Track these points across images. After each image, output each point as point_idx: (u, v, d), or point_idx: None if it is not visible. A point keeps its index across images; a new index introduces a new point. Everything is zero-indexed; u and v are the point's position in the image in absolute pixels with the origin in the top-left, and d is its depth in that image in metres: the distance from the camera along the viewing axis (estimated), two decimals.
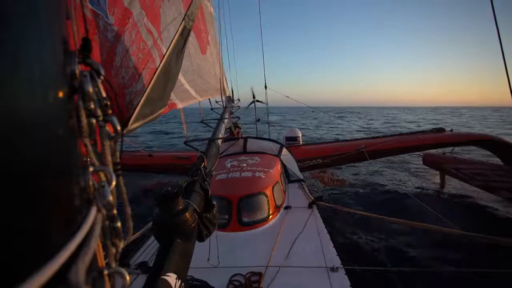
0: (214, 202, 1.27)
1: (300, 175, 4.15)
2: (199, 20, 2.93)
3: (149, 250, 2.40)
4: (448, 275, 3.40)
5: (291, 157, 4.47)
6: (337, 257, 2.21)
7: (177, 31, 1.05)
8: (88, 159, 0.36)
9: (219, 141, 2.47)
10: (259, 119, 7.65)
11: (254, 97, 7.53)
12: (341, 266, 2.08)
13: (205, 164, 1.55)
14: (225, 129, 4.26)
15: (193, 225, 0.98)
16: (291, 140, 7.74)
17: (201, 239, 1.10)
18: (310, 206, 3.15)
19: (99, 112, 0.36)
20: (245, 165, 3.52)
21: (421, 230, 4.55)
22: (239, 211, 2.73)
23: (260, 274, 2.04)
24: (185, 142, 2.37)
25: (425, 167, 7.55)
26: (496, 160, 6.14)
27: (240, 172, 3.26)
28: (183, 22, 1.07)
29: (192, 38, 2.60)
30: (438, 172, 7.08)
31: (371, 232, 4.68)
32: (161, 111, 1.13)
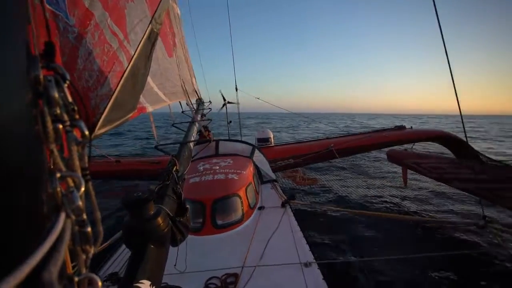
0: (188, 206, 1.26)
1: (272, 175, 4.21)
2: (164, 22, 2.88)
3: (119, 261, 2.30)
4: (414, 261, 3.67)
5: (263, 158, 4.51)
6: (310, 252, 2.28)
7: (144, 34, 1.04)
8: (55, 165, 0.36)
9: (191, 144, 2.45)
10: (230, 121, 7.64)
11: (224, 99, 7.50)
12: (314, 261, 2.15)
13: (177, 167, 1.53)
14: (197, 132, 4.20)
15: (166, 229, 0.97)
16: (263, 141, 7.84)
17: (175, 243, 1.09)
18: (283, 205, 3.21)
19: (65, 117, 0.36)
20: (217, 167, 3.50)
21: (386, 220, 4.90)
22: (213, 214, 2.71)
23: (236, 275, 2.04)
24: (155, 147, 2.32)
25: (389, 162, 8.03)
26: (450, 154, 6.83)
27: (213, 175, 3.23)
28: (150, 25, 1.05)
29: (158, 41, 2.55)
30: (401, 167, 7.56)
31: (342, 226, 4.93)
32: (130, 115, 1.10)
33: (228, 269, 2.11)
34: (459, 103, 2.05)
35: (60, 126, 0.35)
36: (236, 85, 7.26)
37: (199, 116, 4.79)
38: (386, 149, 7.44)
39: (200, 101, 6.50)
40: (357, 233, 4.66)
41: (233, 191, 2.95)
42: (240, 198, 2.95)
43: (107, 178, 7.00)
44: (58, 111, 0.35)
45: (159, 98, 2.38)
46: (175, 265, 1.76)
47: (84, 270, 0.39)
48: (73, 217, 0.36)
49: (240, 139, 5.72)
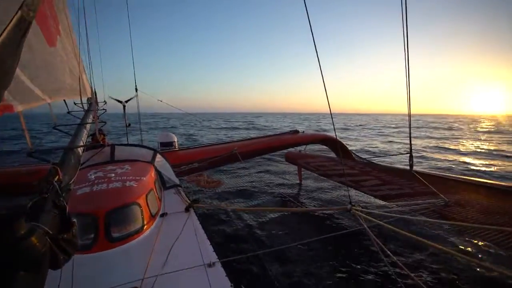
0: (74, 220, 1.13)
1: (176, 180, 4.08)
2: (43, 4, 2.43)
3: None
4: (308, 244, 4.27)
5: (166, 163, 4.32)
6: (213, 253, 2.34)
7: (11, 21, 0.88)
8: None
9: (80, 149, 2.15)
10: (129, 124, 6.98)
11: (120, 101, 6.79)
12: (217, 260, 2.21)
13: (60, 177, 1.34)
14: (88, 136, 3.70)
15: (43, 250, 0.85)
16: (166, 146, 7.52)
17: (57, 265, 0.96)
18: (187, 209, 3.16)
19: None
20: (113, 175, 3.16)
21: (284, 214, 5.55)
22: (107, 226, 2.43)
23: None
24: (29, 154, 1.94)
25: (287, 163, 9.03)
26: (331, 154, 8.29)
27: (108, 184, 2.89)
28: (20, 11, 0.90)
29: (33, 26, 2.14)
30: (296, 167, 8.61)
31: (245, 223, 5.30)
32: None
33: (126, 284, 1.95)
34: (330, 105, 2.51)
35: None
36: (136, 86, 6.72)
37: (91, 117, 4.22)
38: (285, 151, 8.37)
39: (92, 101, 5.71)
40: (258, 228, 5.07)
41: (131, 200, 2.72)
42: (140, 206, 2.75)
43: None
44: None
45: (33, 96, 2.00)
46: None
47: None
48: None
49: (140, 143, 5.32)
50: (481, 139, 24.57)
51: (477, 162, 13.41)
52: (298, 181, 8.52)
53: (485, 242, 3.98)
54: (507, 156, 14.98)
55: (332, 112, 2.52)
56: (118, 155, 3.94)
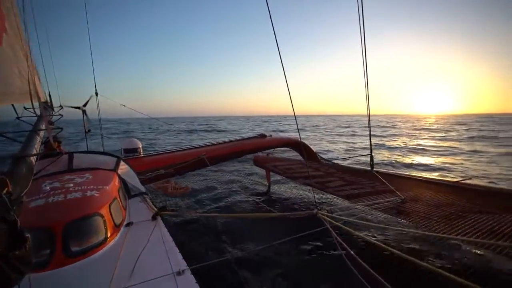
0: (27, 235, 1.05)
1: (142, 188, 3.92)
2: None
3: None
4: (278, 247, 4.36)
5: (130, 170, 4.12)
6: (183, 260, 2.29)
7: None
8: None
9: (33, 158, 1.99)
10: (89, 130, 6.55)
11: (79, 107, 6.36)
12: (187, 267, 2.17)
13: (9, 189, 1.24)
14: (41, 144, 3.43)
15: None
16: (130, 152, 7.21)
17: (8, 286, 0.89)
18: (154, 218, 3.06)
19: None
20: (71, 185, 2.94)
21: (252, 219, 5.59)
22: (65, 240, 2.26)
23: None
24: None
25: (255, 167, 9.10)
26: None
27: (65, 194, 2.69)
28: None
29: None
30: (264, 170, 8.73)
31: (213, 228, 5.25)
32: None
33: None
34: (294, 108, 2.62)
35: None
36: (96, 89, 6.35)
37: (44, 123, 3.91)
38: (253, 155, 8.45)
39: (46, 105, 5.29)
40: (227, 233, 5.07)
41: (92, 211, 2.55)
42: (103, 217, 2.59)
43: None
44: None
45: None
46: None
47: None
48: None
49: (102, 151, 5.04)
50: (412, 135, 29.50)
51: (394, 155, 16.24)
52: (266, 184, 8.64)
53: (436, 240, 4.44)
54: (424, 149, 18.31)
55: (294, 114, 2.63)
56: (77, 164, 3.69)
